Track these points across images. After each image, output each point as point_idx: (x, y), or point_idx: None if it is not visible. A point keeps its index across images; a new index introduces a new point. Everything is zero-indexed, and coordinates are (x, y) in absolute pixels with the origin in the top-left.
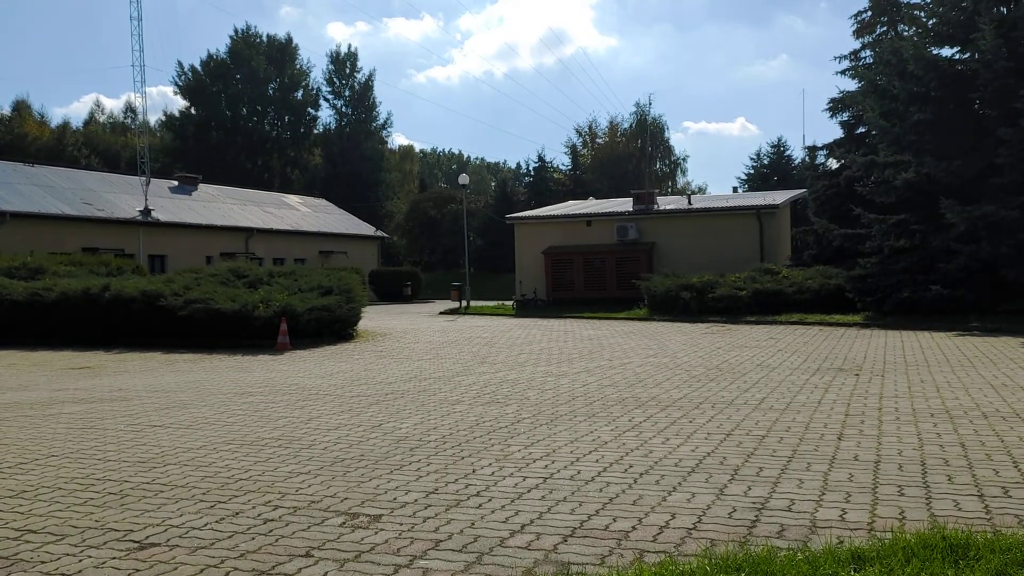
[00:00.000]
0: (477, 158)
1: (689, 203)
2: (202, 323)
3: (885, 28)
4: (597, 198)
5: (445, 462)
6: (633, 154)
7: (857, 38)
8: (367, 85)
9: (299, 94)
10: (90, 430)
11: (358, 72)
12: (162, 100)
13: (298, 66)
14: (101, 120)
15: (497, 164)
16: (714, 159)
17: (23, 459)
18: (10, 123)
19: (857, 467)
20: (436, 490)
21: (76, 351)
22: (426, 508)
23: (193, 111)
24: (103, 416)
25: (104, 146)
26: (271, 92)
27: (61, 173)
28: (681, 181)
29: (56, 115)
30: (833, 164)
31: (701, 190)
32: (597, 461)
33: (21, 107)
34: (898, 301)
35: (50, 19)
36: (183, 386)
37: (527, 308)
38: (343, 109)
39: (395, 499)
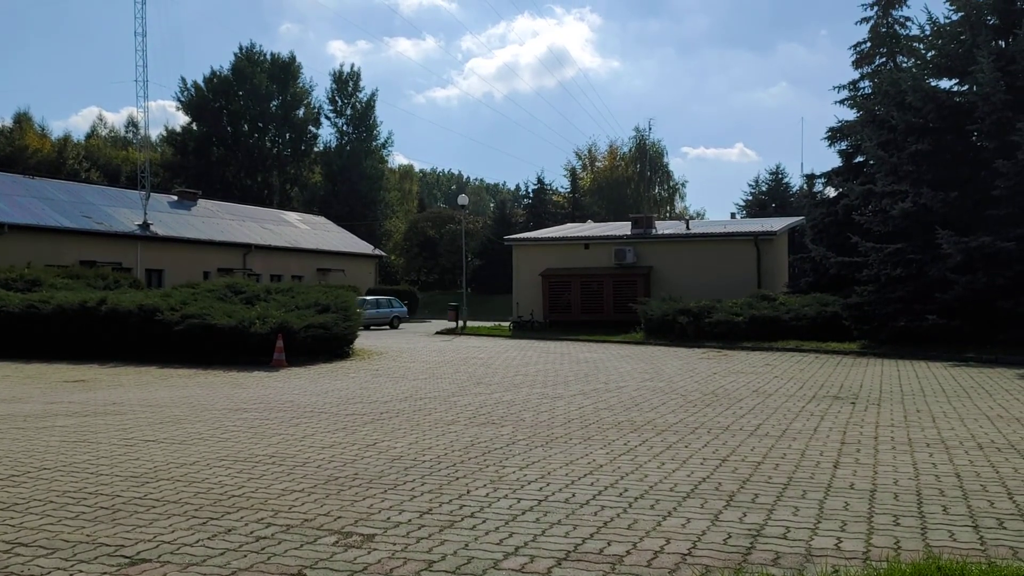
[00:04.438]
0: (476, 179)
1: (687, 228)
2: (198, 338)
3: (884, 59)
4: (595, 221)
5: (439, 482)
6: (632, 178)
7: (856, 68)
8: (369, 104)
9: (300, 112)
10: (83, 443)
11: (360, 91)
12: (164, 115)
13: (300, 84)
14: (103, 134)
15: (496, 185)
16: (713, 184)
17: (15, 471)
18: (11, 135)
19: (853, 496)
20: (430, 510)
21: (71, 364)
22: (420, 528)
23: (195, 127)
24: (96, 430)
25: (105, 160)
26: (273, 109)
27: (60, 186)
28: (679, 206)
29: (57, 128)
30: (831, 192)
31: (699, 215)
32: (592, 484)
33: (22, 119)
34: (894, 329)
35: (53, 32)
36: (177, 401)
37: (524, 330)
38: (344, 128)
39: (389, 519)
